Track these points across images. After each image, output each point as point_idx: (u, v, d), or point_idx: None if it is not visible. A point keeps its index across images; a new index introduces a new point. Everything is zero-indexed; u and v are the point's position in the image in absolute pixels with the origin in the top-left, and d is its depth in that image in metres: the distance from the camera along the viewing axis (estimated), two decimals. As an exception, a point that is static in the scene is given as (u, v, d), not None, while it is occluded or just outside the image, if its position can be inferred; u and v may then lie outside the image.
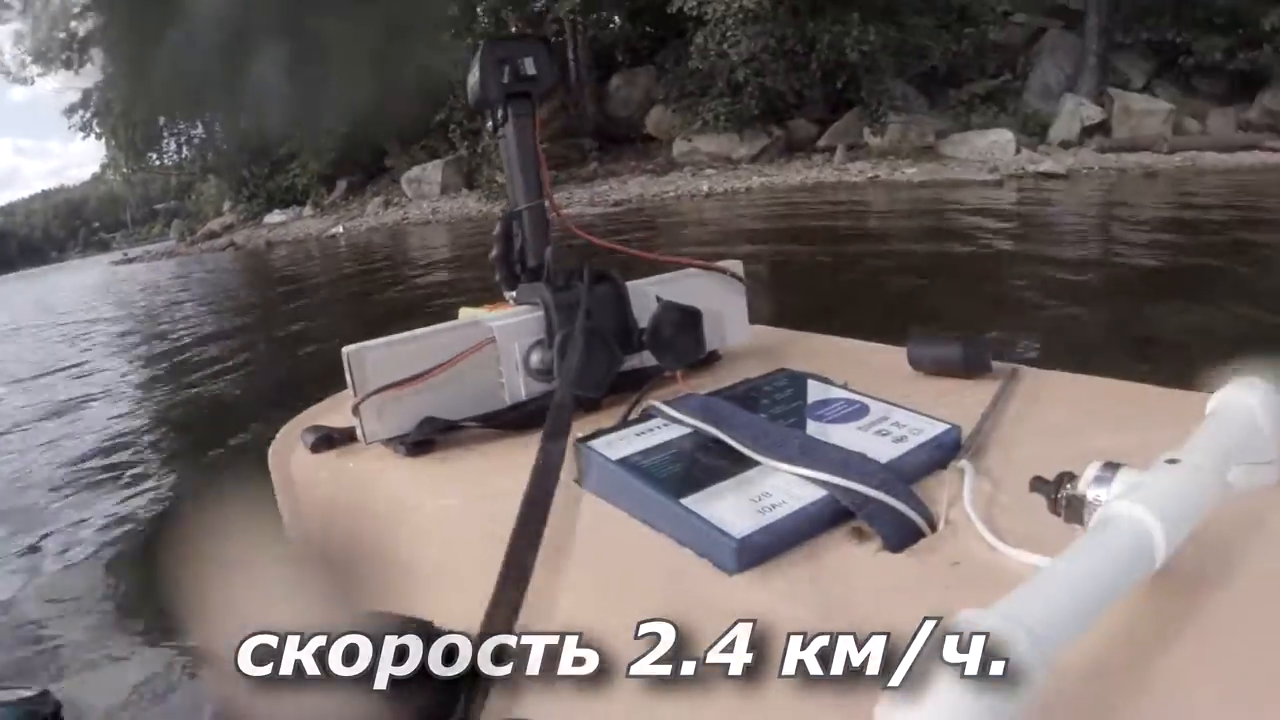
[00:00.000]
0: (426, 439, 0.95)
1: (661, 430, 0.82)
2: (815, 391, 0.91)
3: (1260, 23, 12.37)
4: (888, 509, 0.67)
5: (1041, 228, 7.50)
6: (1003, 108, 13.53)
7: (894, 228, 7.50)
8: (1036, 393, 0.93)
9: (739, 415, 0.82)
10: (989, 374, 0.98)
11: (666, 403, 0.86)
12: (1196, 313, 4.70)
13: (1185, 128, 12.76)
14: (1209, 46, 13.03)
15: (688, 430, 0.82)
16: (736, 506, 0.67)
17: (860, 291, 5.49)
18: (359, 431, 0.95)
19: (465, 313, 1.23)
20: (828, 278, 5.98)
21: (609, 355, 0.96)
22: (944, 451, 0.78)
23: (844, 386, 0.91)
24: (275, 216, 17.59)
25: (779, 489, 0.69)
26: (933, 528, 0.67)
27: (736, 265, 1.15)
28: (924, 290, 5.43)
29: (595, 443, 0.81)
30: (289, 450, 1.08)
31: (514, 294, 1.07)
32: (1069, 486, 0.57)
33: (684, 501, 0.68)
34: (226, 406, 4.87)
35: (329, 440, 1.03)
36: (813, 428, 0.82)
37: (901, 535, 0.66)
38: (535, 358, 0.99)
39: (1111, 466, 0.55)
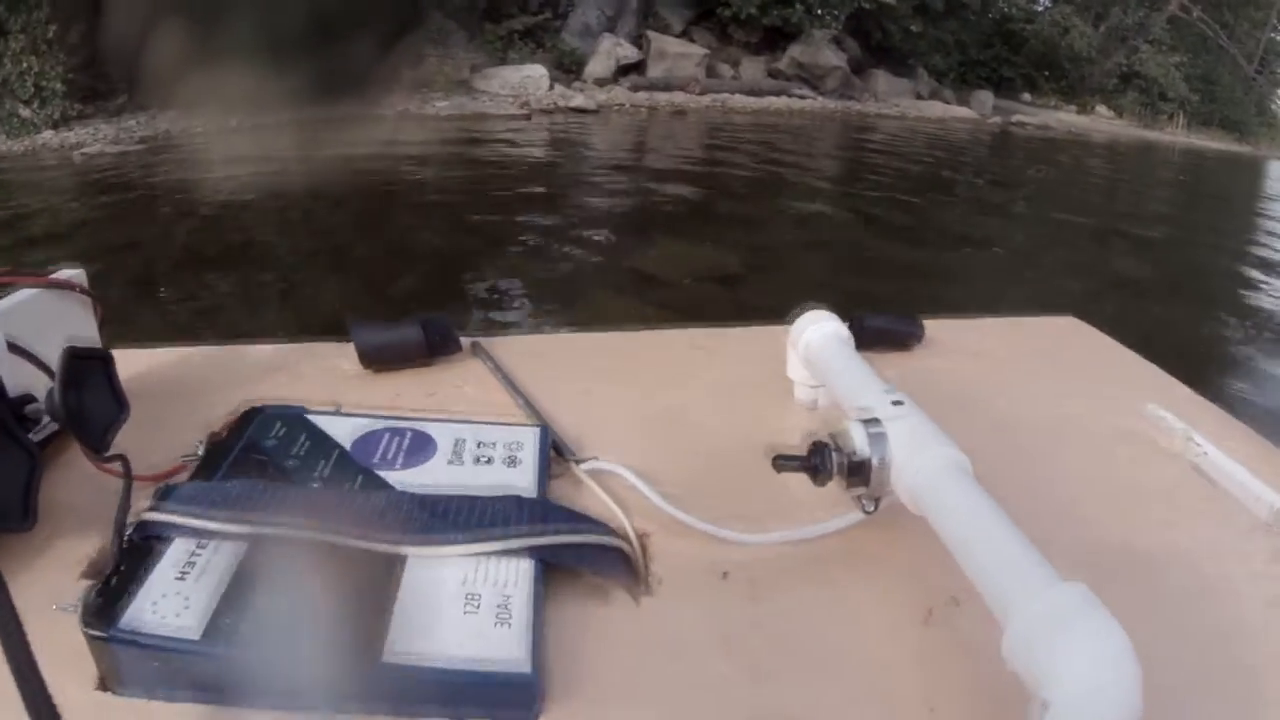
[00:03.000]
0: None
1: (206, 556, 0.56)
2: (334, 428, 0.73)
3: (796, -15, 14.83)
4: (605, 551, 0.60)
5: (559, 162, 8.03)
6: (541, 45, 14.27)
7: (405, 163, 7.41)
8: (521, 362, 0.92)
9: (293, 495, 0.62)
10: (458, 352, 0.93)
11: (168, 509, 0.59)
12: (695, 245, 5.31)
13: (719, 72, 14.36)
14: (746, 2, 14.87)
15: (240, 544, 0.57)
16: (465, 630, 0.52)
17: (337, 242, 5.44)
18: None
19: None
20: (307, 225, 5.77)
21: (22, 453, 0.63)
22: (547, 457, 0.72)
23: (338, 411, 0.78)
24: None
25: (478, 581, 0.55)
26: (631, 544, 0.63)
27: (78, 273, 0.87)
28: (417, 230, 5.61)
29: (129, 620, 0.51)
30: None
31: None
32: (838, 454, 0.60)
33: (391, 660, 0.50)
34: None
35: None
36: (396, 479, 0.67)
37: (631, 569, 0.60)
38: None
39: (874, 423, 0.60)
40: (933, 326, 1.01)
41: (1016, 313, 1.10)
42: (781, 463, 0.62)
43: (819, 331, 0.78)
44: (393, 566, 0.55)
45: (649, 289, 4.42)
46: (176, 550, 0.56)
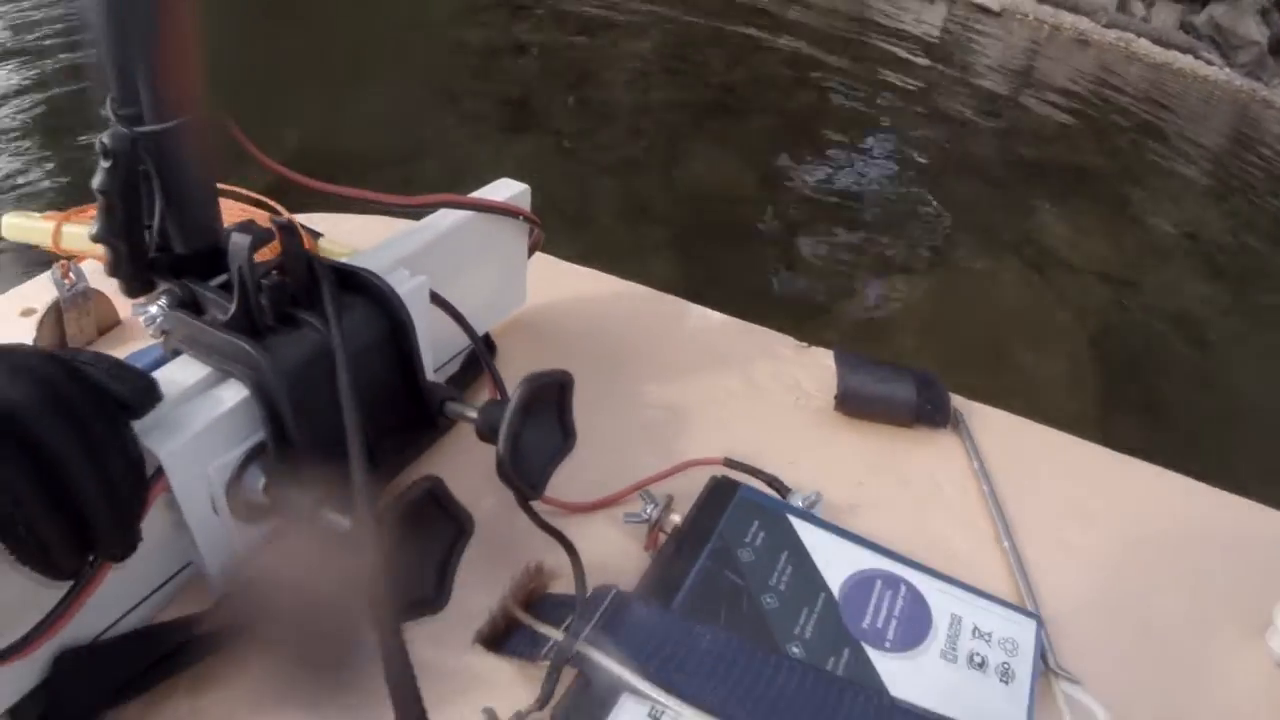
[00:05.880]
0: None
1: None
2: (821, 552, 0.60)
3: (1242, -64, 13.44)
4: None
5: (956, 64, 7.46)
6: None
7: (810, 18, 7.18)
8: (1005, 452, 0.76)
9: (778, 682, 0.49)
10: (944, 426, 0.79)
11: (619, 655, 0.48)
12: (1070, 216, 4.62)
13: (1130, 9, 13.22)
14: (1183, -62, 13.87)
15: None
16: None
17: (750, 98, 5.20)
18: None
19: (12, 225, 0.82)
20: (721, 71, 5.60)
21: (451, 525, 0.51)
22: (1038, 674, 0.57)
23: (815, 505, 0.65)
24: None
25: None
26: None
27: (520, 191, 0.75)
28: (817, 109, 5.26)
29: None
30: None
31: (150, 312, 0.55)
32: None
33: None
34: None
35: None
36: (885, 668, 0.54)
37: None
38: (254, 480, 0.51)
39: None
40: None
41: None
42: None
43: None
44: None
45: (1051, 268, 3.87)
46: (628, 713, 0.47)
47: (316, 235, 0.83)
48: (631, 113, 4.56)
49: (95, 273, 0.72)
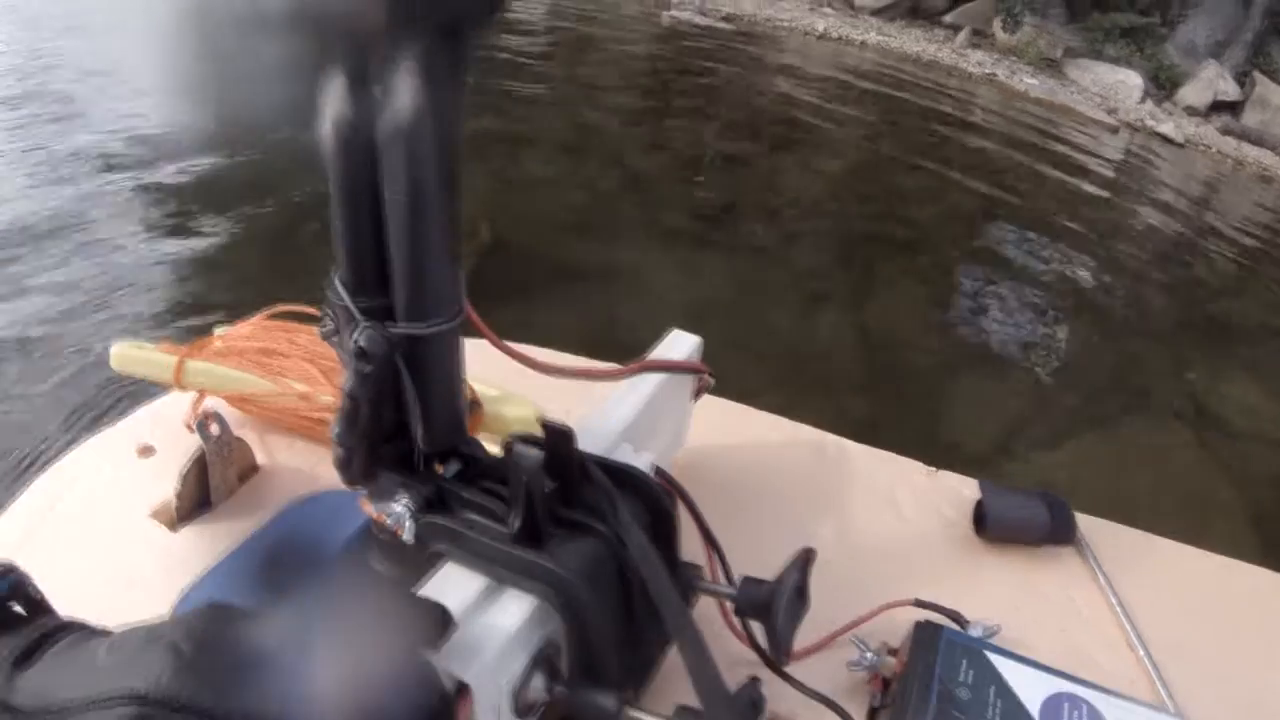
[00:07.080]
0: None
1: None
2: (1018, 680, 0.65)
3: None
4: None
5: (1133, 198, 7.08)
6: (1140, 49, 13.09)
7: (994, 145, 7.18)
8: (1128, 570, 0.81)
9: None
10: (1069, 544, 0.85)
11: None
12: (1247, 379, 4.18)
13: None
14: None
15: None
16: None
17: (924, 228, 5.14)
18: None
19: (122, 356, 0.78)
20: (901, 176, 5.73)
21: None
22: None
23: (994, 635, 0.70)
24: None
25: None
26: None
27: (696, 344, 0.81)
28: (989, 246, 5.11)
29: None
30: None
31: (397, 511, 0.53)
32: None
33: None
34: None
35: None
36: None
37: None
38: (538, 683, 0.51)
39: None
40: None
41: None
42: None
43: None
44: None
45: (1219, 437, 3.50)
46: None
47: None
48: (811, 241, 4.63)
49: (231, 417, 0.72)
